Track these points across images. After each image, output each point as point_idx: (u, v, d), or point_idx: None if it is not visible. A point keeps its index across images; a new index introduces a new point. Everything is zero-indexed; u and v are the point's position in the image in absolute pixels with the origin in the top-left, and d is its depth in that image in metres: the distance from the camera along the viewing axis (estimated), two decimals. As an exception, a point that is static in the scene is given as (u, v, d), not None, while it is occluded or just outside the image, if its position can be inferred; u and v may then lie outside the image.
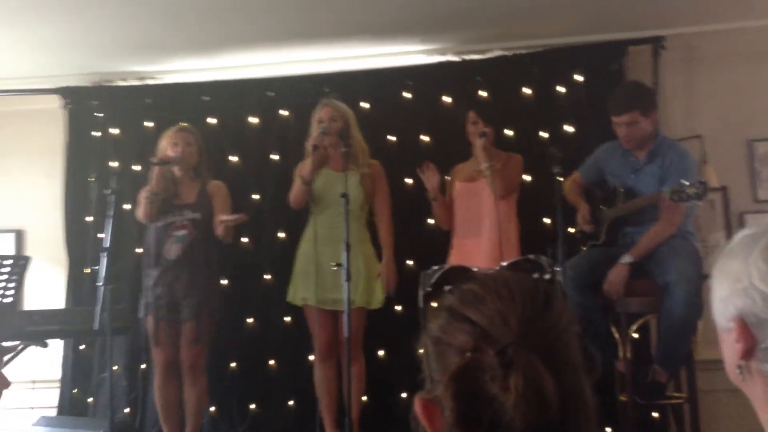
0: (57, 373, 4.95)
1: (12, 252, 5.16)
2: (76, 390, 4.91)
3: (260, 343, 4.75)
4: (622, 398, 3.85)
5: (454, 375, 0.88)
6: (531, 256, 3.46)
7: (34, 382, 5.01)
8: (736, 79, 4.71)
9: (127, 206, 4.77)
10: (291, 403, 4.68)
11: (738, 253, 1.09)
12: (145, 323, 4.18)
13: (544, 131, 4.68)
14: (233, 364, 4.75)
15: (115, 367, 4.48)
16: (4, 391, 2.15)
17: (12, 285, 3.57)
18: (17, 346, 3.65)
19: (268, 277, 4.79)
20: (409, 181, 4.63)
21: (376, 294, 4.09)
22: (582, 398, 0.91)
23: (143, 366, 4.71)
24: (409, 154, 4.70)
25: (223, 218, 4.07)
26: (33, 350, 3.81)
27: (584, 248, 4.11)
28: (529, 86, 4.75)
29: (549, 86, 4.74)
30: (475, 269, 3.46)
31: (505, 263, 3.57)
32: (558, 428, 0.87)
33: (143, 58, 4.98)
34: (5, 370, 3.40)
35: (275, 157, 4.92)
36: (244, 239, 4.82)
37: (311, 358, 4.34)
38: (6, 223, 5.28)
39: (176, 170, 4.24)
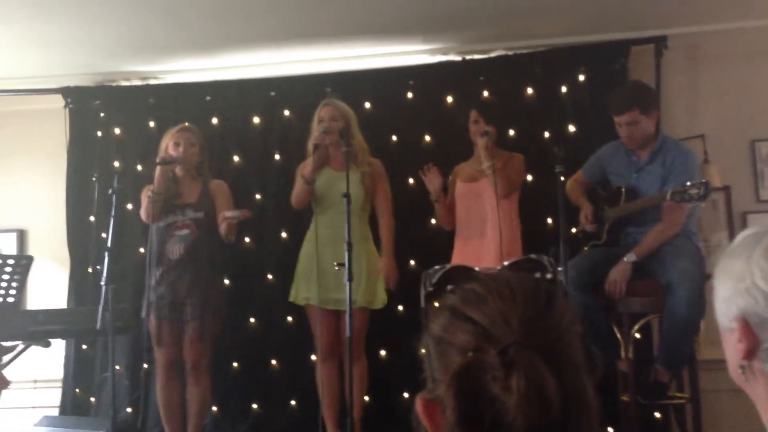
0: (59, 372, 4.95)
1: (14, 252, 5.17)
2: (78, 390, 4.92)
3: (262, 343, 4.76)
4: (625, 398, 3.85)
5: (455, 375, 0.88)
6: (533, 256, 3.47)
7: (36, 381, 5.02)
8: (740, 79, 4.70)
9: (129, 206, 4.78)
10: (293, 403, 4.68)
11: (740, 252, 1.08)
12: (147, 323, 4.19)
13: (547, 131, 4.67)
14: (235, 364, 4.75)
15: (118, 367, 4.49)
16: (4, 391, 2.16)
17: (14, 285, 3.58)
18: (16, 345, 3.65)
19: (270, 277, 4.79)
20: (411, 181, 4.63)
21: (378, 294, 4.09)
22: (584, 398, 0.91)
23: (145, 366, 4.71)
24: (411, 154, 4.70)
25: (228, 214, 4.07)
26: (35, 350, 3.81)
27: (586, 248, 4.10)
28: (531, 86, 4.75)
29: (552, 86, 4.73)
30: (477, 269, 3.47)
31: (507, 263, 3.58)
32: (560, 428, 0.87)
33: (145, 58, 4.98)
34: (5, 370, 3.41)
35: (278, 156, 4.93)
36: (247, 239, 4.82)
37: (313, 358, 4.35)
38: (8, 223, 5.28)
39: (178, 170, 4.25)
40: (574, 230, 4.17)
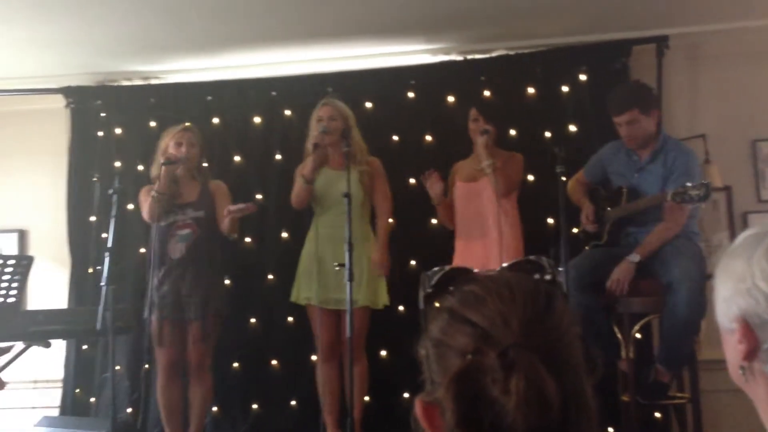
0: (59, 373, 4.95)
1: (15, 252, 5.16)
2: (78, 390, 4.91)
3: (263, 343, 4.75)
4: (625, 398, 3.84)
5: (454, 377, 0.88)
6: (532, 257, 3.46)
7: (36, 382, 5.02)
8: (741, 79, 4.70)
9: (130, 206, 4.78)
10: (293, 403, 4.68)
11: (741, 253, 1.08)
12: (149, 323, 4.19)
13: (548, 131, 4.66)
14: (236, 364, 4.75)
15: (118, 367, 4.49)
16: (0, 392, 2.15)
17: (15, 285, 3.57)
18: (12, 347, 3.64)
19: (271, 276, 4.79)
20: (412, 181, 4.62)
21: (380, 294, 4.09)
22: (583, 399, 0.91)
23: (146, 366, 4.71)
24: (412, 154, 4.70)
25: (232, 208, 4.07)
26: (35, 350, 3.81)
27: (587, 248, 4.10)
28: (532, 86, 4.74)
29: (553, 86, 4.73)
30: (476, 270, 3.47)
31: (506, 264, 3.57)
32: (559, 430, 0.87)
33: (146, 58, 4.98)
34: (3, 372, 3.40)
35: (278, 156, 4.92)
36: (247, 239, 4.81)
37: (314, 358, 4.34)
38: (9, 223, 5.28)
39: (178, 170, 4.25)
40: (575, 230, 4.16)
